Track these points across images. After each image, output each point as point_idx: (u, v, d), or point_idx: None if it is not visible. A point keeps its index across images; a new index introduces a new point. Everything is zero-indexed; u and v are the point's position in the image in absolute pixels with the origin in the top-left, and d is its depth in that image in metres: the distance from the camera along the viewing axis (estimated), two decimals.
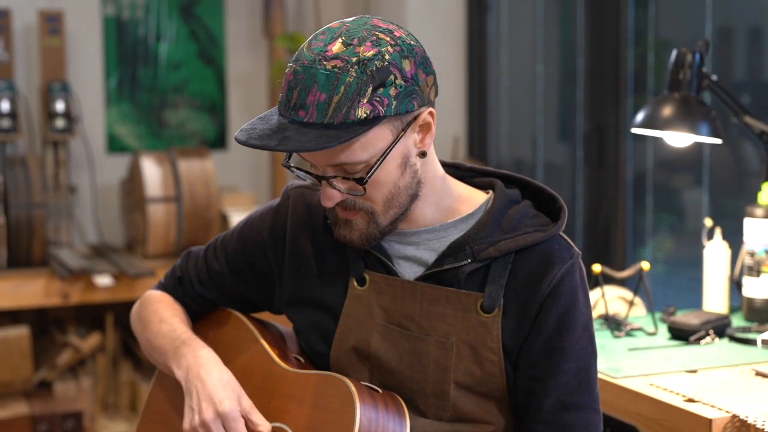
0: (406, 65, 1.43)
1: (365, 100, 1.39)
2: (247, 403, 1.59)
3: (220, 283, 1.75)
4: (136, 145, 4.20)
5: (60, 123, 3.82)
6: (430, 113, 1.48)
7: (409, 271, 1.56)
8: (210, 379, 1.58)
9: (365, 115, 1.39)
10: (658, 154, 3.17)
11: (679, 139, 2.44)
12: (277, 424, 1.59)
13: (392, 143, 1.44)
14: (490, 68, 4.01)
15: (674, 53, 2.39)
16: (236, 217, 3.84)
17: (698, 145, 2.87)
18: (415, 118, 1.46)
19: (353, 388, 1.50)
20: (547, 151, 3.73)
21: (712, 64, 2.92)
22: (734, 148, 2.97)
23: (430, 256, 1.55)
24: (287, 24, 4.30)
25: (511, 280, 1.52)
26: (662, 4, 3.15)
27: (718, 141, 2.39)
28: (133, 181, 3.90)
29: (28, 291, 3.57)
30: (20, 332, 3.63)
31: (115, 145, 4.19)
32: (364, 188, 1.45)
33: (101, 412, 3.85)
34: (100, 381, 3.84)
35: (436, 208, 1.55)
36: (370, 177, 1.44)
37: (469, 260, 1.52)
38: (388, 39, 1.43)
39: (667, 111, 2.36)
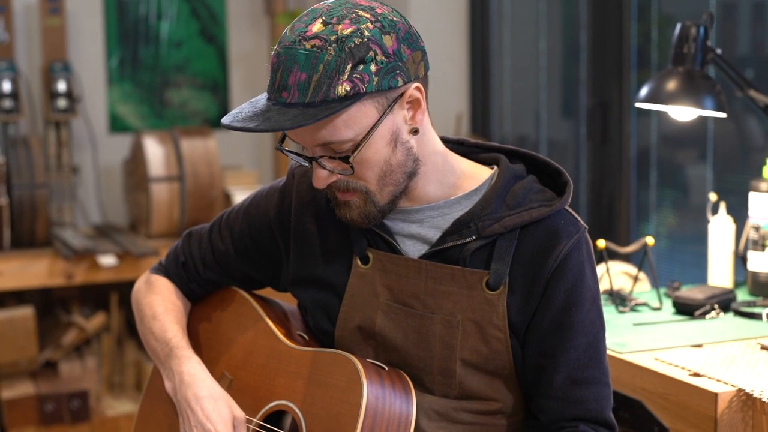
0: (388, 41, 1.42)
1: (345, 77, 1.39)
2: (239, 417, 1.60)
3: (226, 264, 1.74)
4: (139, 125, 4.19)
5: (62, 103, 3.81)
6: (418, 88, 1.46)
7: (413, 249, 1.56)
8: (198, 403, 1.59)
9: (345, 93, 1.39)
10: (662, 129, 3.15)
11: (683, 113, 2.43)
12: (283, 402, 1.59)
13: (378, 120, 1.43)
14: (492, 45, 3.99)
15: (678, 27, 2.38)
16: (239, 196, 3.84)
17: (702, 120, 2.86)
18: (402, 94, 1.45)
19: (360, 366, 1.50)
20: (550, 128, 3.71)
21: (717, 38, 2.90)
22: (739, 123, 2.96)
23: (435, 234, 1.55)
24: (289, 2, 4.28)
25: (517, 257, 1.51)
26: None
27: (722, 115, 2.38)
28: (136, 160, 3.90)
29: (32, 271, 3.57)
30: (25, 312, 3.63)
31: (117, 125, 4.18)
32: (351, 166, 1.44)
33: (107, 392, 3.86)
34: (105, 360, 3.85)
35: (439, 185, 1.54)
36: (355, 155, 1.44)
37: (474, 237, 1.51)
38: (368, 16, 1.42)
39: (671, 85, 2.35)
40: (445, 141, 1.59)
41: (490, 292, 1.50)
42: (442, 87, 4.00)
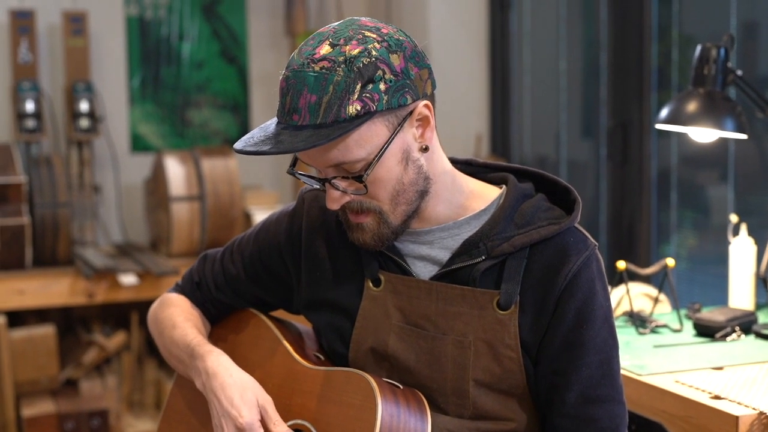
0: (395, 60, 1.42)
1: (355, 97, 1.39)
2: (266, 399, 1.59)
3: (238, 288, 1.75)
4: (160, 145, 4.22)
5: (84, 123, 3.84)
6: (427, 106, 1.46)
7: (424, 271, 1.56)
8: (224, 392, 1.59)
9: (356, 112, 1.40)
10: (682, 149, 3.14)
11: (704, 134, 2.42)
12: (299, 421, 1.59)
13: (389, 139, 1.44)
14: (512, 65, 3.99)
15: (699, 48, 2.37)
16: (259, 216, 3.85)
17: (723, 141, 2.85)
18: (411, 112, 1.46)
19: (374, 384, 1.50)
20: (570, 148, 3.71)
21: (737, 59, 2.89)
22: (760, 143, 2.94)
23: (445, 255, 1.54)
24: (309, 22, 4.30)
25: (527, 276, 1.51)
26: None
27: (743, 136, 2.37)
28: (157, 180, 3.92)
29: (53, 290, 3.59)
30: (46, 331, 3.65)
31: (138, 145, 4.21)
32: (365, 185, 1.45)
33: (127, 410, 3.87)
34: (126, 379, 3.86)
35: (448, 206, 1.54)
36: (368, 173, 1.44)
37: (483, 257, 1.51)
38: (374, 36, 1.43)
39: (691, 106, 2.34)
40: (454, 162, 1.60)
41: (501, 312, 1.50)
42: (461, 107, 4.00)
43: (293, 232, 1.67)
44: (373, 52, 1.41)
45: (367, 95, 1.40)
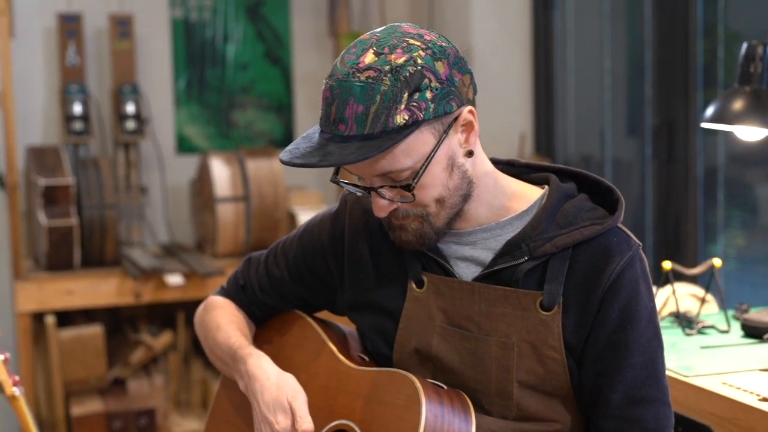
0: (440, 67, 1.42)
1: (402, 107, 1.39)
2: (293, 396, 1.61)
3: (281, 289, 1.77)
4: (205, 146, 4.25)
5: (130, 125, 3.88)
6: (471, 111, 1.47)
7: (467, 272, 1.56)
8: (263, 395, 1.61)
9: (404, 122, 1.40)
10: (729, 148, 3.11)
11: (750, 133, 2.39)
12: (344, 422, 1.60)
13: (435, 146, 1.44)
14: (556, 64, 3.97)
15: (745, 46, 2.35)
16: (303, 216, 3.87)
17: None
18: (456, 118, 1.46)
19: (418, 384, 1.50)
20: (615, 147, 3.68)
21: None
22: None
23: (487, 256, 1.54)
24: (352, 23, 4.32)
25: (570, 276, 1.50)
26: None
27: None
28: (202, 181, 3.95)
29: (101, 290, 3.64)
30: (94, 331, 3.70)
31: (184, 146, 4.25)
32: (413, 194, 1.45)
33: (173, 409, 3.91)
34: (173, 378, 3.90)
35: (490, 207, 1.54)
36: (416, 182, 1.44)
37: (526, 258, 1.51)
38: (418, 44, 1.43)
39: (737, 105, 2.32)
40: (496, 162, 1.60)
41: (545, 313, 1.50)
42: (505, 107, 3.99)
43: (336, 234, 1.68)
44: (419, 60, 1.41)
45: (414, 104, 1.40)
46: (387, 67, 1.40)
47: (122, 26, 3.94)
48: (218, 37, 4.26)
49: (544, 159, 3.93)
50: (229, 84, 4.29)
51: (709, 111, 2.38)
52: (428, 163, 1.44)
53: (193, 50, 4.24)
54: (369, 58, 1.42)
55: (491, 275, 1.53)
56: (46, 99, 4.03)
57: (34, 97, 4.01)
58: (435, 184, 1.46)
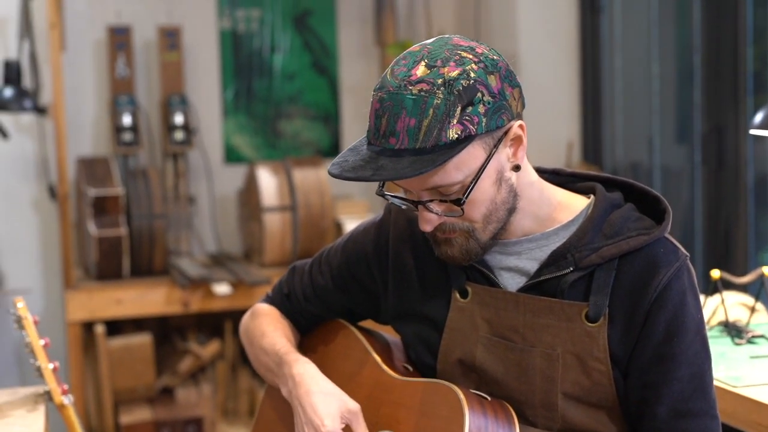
0: (492, 81, 1.41)
1: (455, 121, 1.38)
2: (351, 409, 1.60)
3: (326, 298, 1.77)
4: (253, 156, 4.28)
5: (179, 135, 3.92)
6: (521, 126, 1.45)
7: (511, 282, 1.55)
8: (308, 399, 1.60)
9: (457, 136, 1.38)
10: None
11: None
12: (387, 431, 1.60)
13: (486, 161, 1.42)
14: (603, 70, 3.94)
15: None
16: (350, 225, 3.87)
17: None
18: (506, 132, 1.44)
19: (462, 395, 1.50)
20: (663, 154, 3.64)
21: None
22: None
23: (532, 266, 1.53)
24: (399, 32, 4.32)
25: (616, 287, 1.48)
26: None
27: None
28: (250, 190, 3.97)
29: (150, 299, 3.68)
30: (143, 339, 3.73)
31: (232, 156, 4.28)
32: (462, 209, 1.44)
33: (221, 418, 3.93)
34: (220, 387, 3.92)
35: (535, 218, 1.53)
36: (467, 197, 1.43)
37: (572, 268, 1.49)
38: (470, 57, 1.41)
39: None
40: (541, 171, 1.58)
41: (590, 325, 1.48)
42: (552, 114, 3.97)
43: (380, 243, 1.68)
44: (472, 74, 1.39)
45: (467, 118, 1.39)
46: (440, 81, 1.39)
47: (170, 38, 3.98)
48: (265, 47, 4.29)
49: (591, 167, 3.90)
50: (276, 94, 4.32)
51: (759, 117, 2.35)
52: (478, 178, 1.43)
53: (241, 61, 4.27)
54: (421, 70, 1.40)
55: (536, 286, 1.52)
56: (96, 110, 4.08)
57: (85, 109, 4.07)
58: (484, 199, 1.45)
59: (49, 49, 3.69)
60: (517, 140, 1.46)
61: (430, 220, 1.46)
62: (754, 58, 3.14)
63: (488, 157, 1.42)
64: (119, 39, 3.94)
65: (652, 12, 3.66)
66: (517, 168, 1.47)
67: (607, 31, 3.92)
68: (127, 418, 3.71)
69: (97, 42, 4.06)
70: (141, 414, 3.73)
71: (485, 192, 1.45)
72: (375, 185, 1.50)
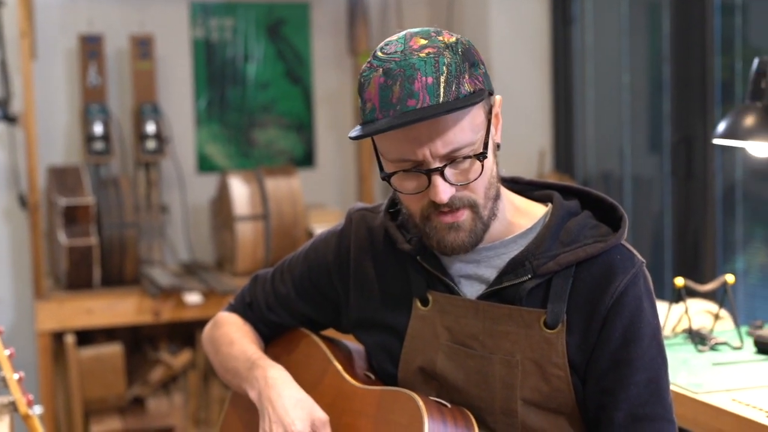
0: (477, 52, 1.47)
1: (467, 76, 1.42)
2: (320, 418, 1.60)
3: (288, 307, 1.77)
4: (226, 165, 4.27)
5: (151, 144, 3.91)
6: (499, 102, 1.50)
7: (471, 290, 1.56)
8: (280, 400, 1.60)
9: (472, 89, 1.42)
10: (747, 164, 3.08)
11: (762, 148, 2.37)
12: None
13: (488, 125, 1.46)
14: (575, 80, 3.96)
15: (756, 62, 2.33)
16: None
17: None
18: (493, 104, 1.48)
19: (421, 403, 1.50)
20: (634, 163, 3.66)
21: None
22: None
23: (491, 274, 1.54)
24: (372, 41, 4.33)
25: (574, 294, 1.49)
26: (750, 11, 3.07)
27: None
28: (222, 200, 3.97)
29: (121, 309, 3.66)
30: (114, 349, 3.72)
31: (205, 165, 4.27)
32: (482, 165, 1.44)
33: (193, 428, 3.91)
34: (192, 397, 3.91)
35: (499, 222, 1.54)
36: (487, 153, 1.44)
37: (530, 276, 1.50)
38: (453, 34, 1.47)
39: (749, 121, 2.30)
40: (500, 180, 1.59)
41: (549, 331, 1.49)
42: (524, 123, 3.98)
43: (341, 252, 1.68)
44: (463, 41, 1.45)
45: (475, 76, 1.43)
46: (442, 45, 1.43)
47: (143, 47, 3.97)
48: (239, 56, 4.29)
49: (563, 176, 3.92)
50: (249, 103, 4.31)
51: (721, 127, 2.37)
52: (488, 137, 1.45)
53: (214, 70, 4.27)
54: (419, 42, 1.44)
55: (495, 293, 1.53)
56: (68, 119, 4.07)
57: (56, 118, 4.05)
58: (487, 167, 1.46)
59: (19, 57, 3.68)
60: (497, 117, 1.50)
61: (445, 190, 1.44)
62: (722, 68, 3.16)
63: (488, 123, 1.46)
64: (91, 47, 3.93)
65: (622, 22, 3.68)
66: (498, 147, 1.51)
67: (579, 41, 3.94)
68: (97, 428, 3.69)
69: (69, 50, 4.05)
70: (112, 424, 3.71)
71: (489, 159, 1.46)
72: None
